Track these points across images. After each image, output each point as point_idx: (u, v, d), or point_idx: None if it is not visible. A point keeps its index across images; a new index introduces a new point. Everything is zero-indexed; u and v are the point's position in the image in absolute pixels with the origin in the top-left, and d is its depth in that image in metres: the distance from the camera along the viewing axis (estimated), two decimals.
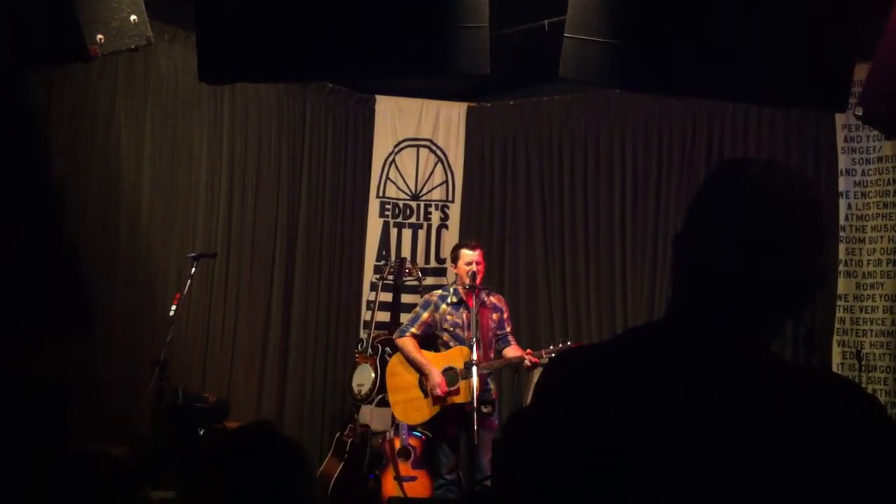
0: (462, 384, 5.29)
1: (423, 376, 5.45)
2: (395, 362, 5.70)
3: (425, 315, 5.55)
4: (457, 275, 5.57)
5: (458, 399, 5.32)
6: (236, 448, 1.66)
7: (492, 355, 5.43)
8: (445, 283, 6.85)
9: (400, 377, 5.59)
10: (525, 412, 1.48)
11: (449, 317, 5.49)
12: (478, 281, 5.37)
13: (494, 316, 5.49)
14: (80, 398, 5.17)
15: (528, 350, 5.37)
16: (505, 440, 4.68)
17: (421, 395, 5.46)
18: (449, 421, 5.43)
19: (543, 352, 5.24)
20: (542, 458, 1.29)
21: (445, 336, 5.50)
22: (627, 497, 1.19)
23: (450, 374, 5.37)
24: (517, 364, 5.36)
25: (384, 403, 6.08)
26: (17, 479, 1.95)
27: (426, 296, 5.82)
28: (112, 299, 5.62)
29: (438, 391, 5.31)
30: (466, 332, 5.34)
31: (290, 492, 1.63)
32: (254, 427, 1.73)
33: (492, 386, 5.44)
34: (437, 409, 5.40)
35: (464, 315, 5.44)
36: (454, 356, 5.39)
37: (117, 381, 5.53)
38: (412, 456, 5.87)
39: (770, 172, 1.29)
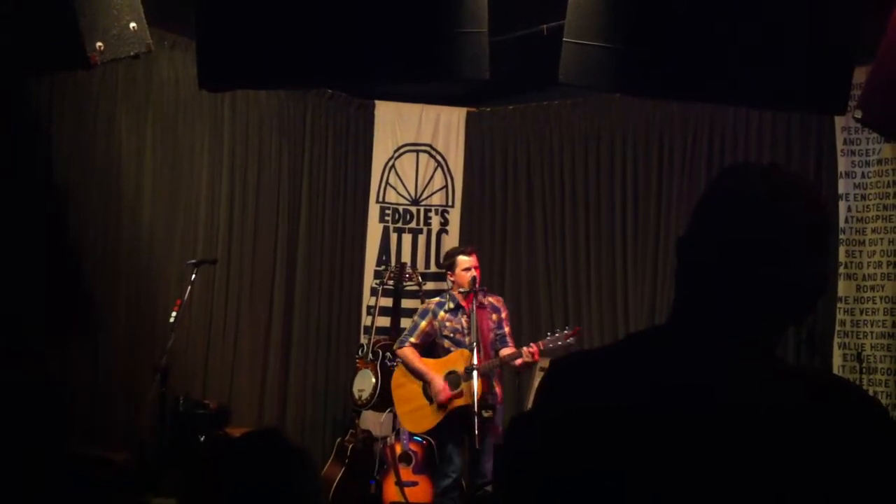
0: (465, 386, 5.28)
1: (425, 384, 5.47)
2: (398, 374, 5.70)
3: (423, 324, 5.58)
4: (452, 282, 5.57)
5: (462, 402, 5.31)
6: (242, 454, 1.66)
7: (493, 356, 5.42)
8: (446, 287, 6.85)
9: (405, 388, 5.59)
10: (526, 416, 1.48)
11: (448, 323, 5.51)
12: (477, 284, 5.39)
13: (494, 317, 5.49)
14: (82, 403, 5.18)
15: (524, 349, 5.26)
16: (506, 444, 4.67)
17: (426, 402, 5.46)
18: (455, 423, 5.44)
19: (541, 342, 5.20)
20: (542, 461, 1.29)
21: (446, 343, 5.52)
22: (629, 500, 1.19)
23: (451, 377, 5.37)
24: (511, 361, 5.32)
25: (385, 408, 6.08)
26: (18, 482, 1.95)
27: (423, 305, 5.85)
28: (114, 305, 5.63)
29: (441, 397, 5.32)
30: (466, 337, 5.36)
31: (295, 499, 1.63)
32: (260, 433, 1.72)
33: (497, 390, 5.43)
34: (442, 414, 5.39)
35: (462, 320, 5.46)
36: (455, 360, 5.40)
37: (119, 386, 5.53)
38: (413, 461, 5.87)
39: (773, 177, 1.29)
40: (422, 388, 5.49)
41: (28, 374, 4.37)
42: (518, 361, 5.24)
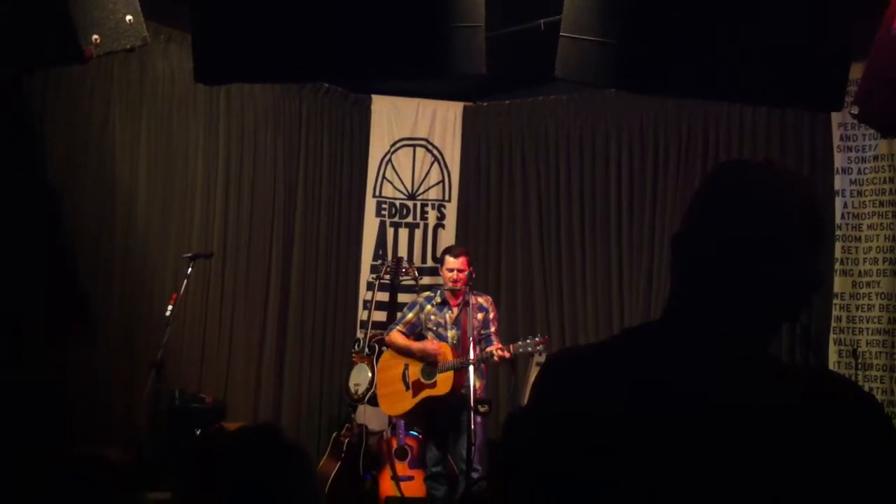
0: (439, 378, 5.47)
1: (415, 358, 5.61)
2: (386, 357, 5.88)
3: (410, 315, 5.79)
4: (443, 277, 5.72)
5: (435, 392, 5.48)
6: (238, 450, 1.66)
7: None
8: (441, 282, 6.89)
9: (388, 371, 5.78)
10: (522, 412, 1.48)
11: (433, 317, 5.71)
12: (459, 285, 5.50)
13: (479, 316, 5.61)
14: (78, 400, 5.16)
15: (499, 345, 5.41)
16: (502, 440, 4.68)
17: (403, 387, 5.66)
18: (433, 415, 5.57)
19: (512, 346, 5.28)
20: (538, 457, 1.29)
21: (430, 336, 5.71)
22: (623, 496, 1.19)
23: (427, 369, 5.56)
24: (487, 358, 5.40)
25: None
26: (15, 480, 1.95)
27: (414, 297, 6.06)
28: (109, 300, 5.61)
29: (439, 353, 5.49)
30: (449, 332, 5.58)
31: (292, 495, 1.63)
32: (256, 429, 1.72)
33: (476, 383, 5.47)
34: (416, 400, 5.57)
35: (447, 316, 5.65)
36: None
37: (115, 382, 5.52)
38: (409, 455, 5.88)
39: (769, 173, 1.29)
40: (401, 373, 5.66)
41: (27, 373, 4.36)
42: (493, 359, 5.37)
